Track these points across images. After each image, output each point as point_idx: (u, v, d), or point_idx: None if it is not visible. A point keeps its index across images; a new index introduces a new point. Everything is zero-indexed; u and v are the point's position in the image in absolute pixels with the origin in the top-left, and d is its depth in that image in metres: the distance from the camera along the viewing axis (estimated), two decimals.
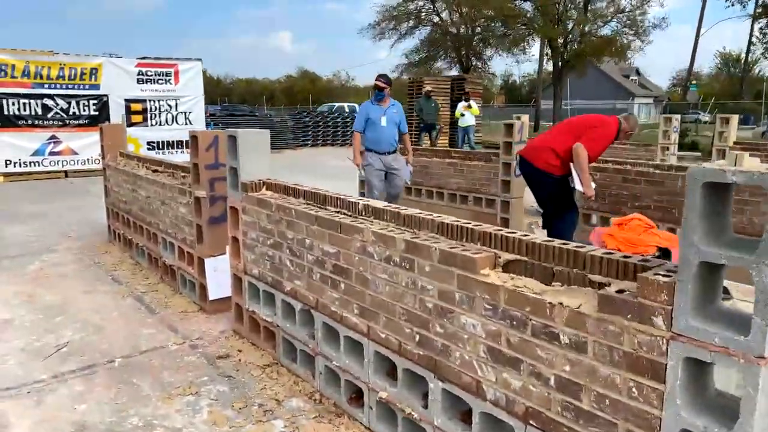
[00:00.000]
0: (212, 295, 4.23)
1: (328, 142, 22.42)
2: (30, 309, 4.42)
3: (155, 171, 5.23)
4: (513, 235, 2.09)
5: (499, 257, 2.08)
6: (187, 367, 3.43)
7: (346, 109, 32.62)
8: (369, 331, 2.62)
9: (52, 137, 12.53)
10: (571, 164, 4.64)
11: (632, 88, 62.54)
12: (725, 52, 62.47)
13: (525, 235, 2.08)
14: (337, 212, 2.91)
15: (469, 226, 2.25)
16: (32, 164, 12.33)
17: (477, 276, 2.04)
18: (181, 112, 14.12)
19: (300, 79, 74.64)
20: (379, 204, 2.70)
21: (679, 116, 9.77)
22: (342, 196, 2.97)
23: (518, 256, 2.04)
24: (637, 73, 65.15)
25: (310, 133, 21.96)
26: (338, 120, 22.86)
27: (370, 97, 6.68)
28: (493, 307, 1.99)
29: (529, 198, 6.28)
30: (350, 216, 2.79)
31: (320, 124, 22.28)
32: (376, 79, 6.21)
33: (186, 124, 14.19)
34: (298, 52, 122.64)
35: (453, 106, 20.52)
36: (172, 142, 14.01)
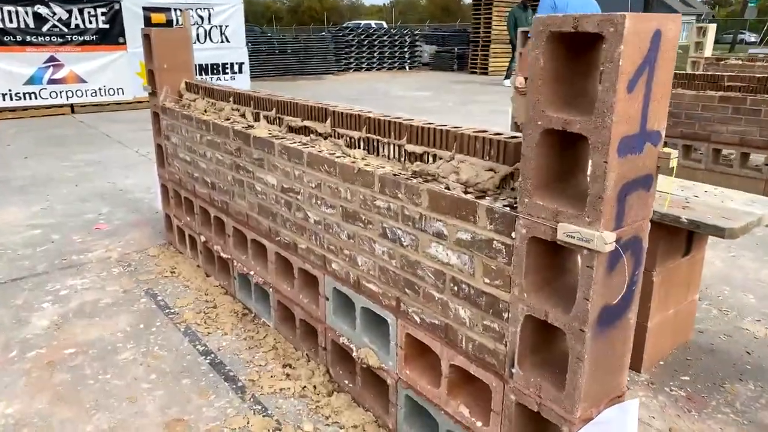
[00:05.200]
0: None
1: (381, 66, 18.97)
2: None
3: (303, 131, 2.31)
4: None
5: None
6: None
7: (373, 25, 28.66)
8: None
9: (51, 59, 9.39)
10: None
11: (674, 4, 57.30)
12: None
13: None
14: None
15: None
16: (27, 96, 9.27)
17: None
18: (216, 26, 10.85)
19: None
20: None
21: (714, 25, 8.34)
22: None
23: None
24: None
25: (353, 55, 18.52)
26: (385, 39, 19.28)
27: None
28: None
29: None
30: None
31: (365, 44, 18.75)
32: None
33: (222, 42, 10.98)
34: None
35: None
36: (206, 66, 10.84)
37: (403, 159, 1.88)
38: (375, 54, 19.00)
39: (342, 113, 2.11)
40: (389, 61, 19.26)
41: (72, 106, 9.70)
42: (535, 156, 1.30)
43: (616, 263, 1.28)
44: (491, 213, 1.45)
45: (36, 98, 9.34)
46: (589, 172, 1.20)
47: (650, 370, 2.38)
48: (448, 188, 1.61)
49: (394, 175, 1.77)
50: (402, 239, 1.77)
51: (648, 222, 1.33)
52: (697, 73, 5.23)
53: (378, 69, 19.06)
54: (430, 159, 1.77)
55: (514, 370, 1.47)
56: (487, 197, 1.52)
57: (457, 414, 1.70)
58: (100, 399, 2.22)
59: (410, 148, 1.82)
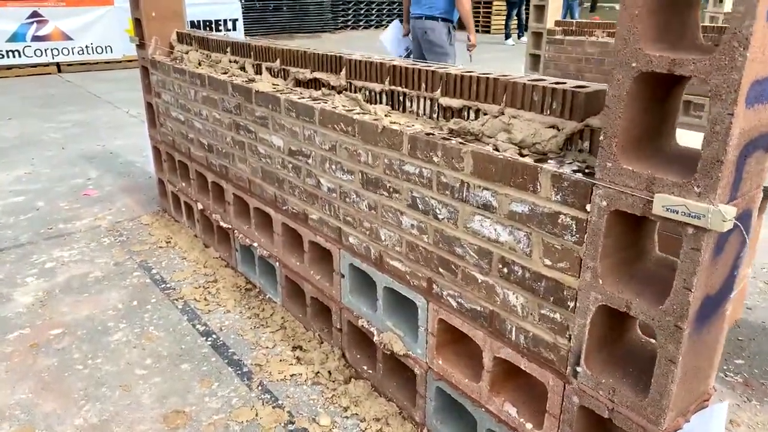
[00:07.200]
0: None
1: (379, 23, 18.31)
2: None
3: (313, 85, 2.01)
4: None
5: None
6: None
7: None
8: None
9: (34, 14, 8.87)
10: None
11: None
12: None
13: None
14: None
15: None
16: (10, 54, 8.79)
17: None
18: None
19: None
20: None
21: None
22: None
23: None
24: None
25: (351, 12, 17.84)
26: None
27: None
28: None
29: None
30: None
31: (363, 1, 18.04)
32: None
33: None
34: None
35: None
36: (198, 23, 10.31)
37: (435, 115, 1.59)
38: (373, 11, 18.31)
39: (360, 61, 1.81)
40: (388, 19, 18.58)
41: (58, 65, 9.23)
42: (624, 108, 1.02)
43: (725, 244, 1.02)
44: (558, 180, 1.18)
45: (20, 56, 8.86)
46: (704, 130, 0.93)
47: None
48: (497, 149, 1.34)
49: (428, 134, 1.49)
50: (437, 211, 1.51)
51: (761, 191, 1.07)
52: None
53: (376, 27, 18.38)
54: (471, 115, 1.49)
55: (579, 369, 1.23)
56: (549, 160, 1.25)
57: (501, 413, 1.47)
58: (89, 388, 1.99)
59: (445, 101, 1.54)
